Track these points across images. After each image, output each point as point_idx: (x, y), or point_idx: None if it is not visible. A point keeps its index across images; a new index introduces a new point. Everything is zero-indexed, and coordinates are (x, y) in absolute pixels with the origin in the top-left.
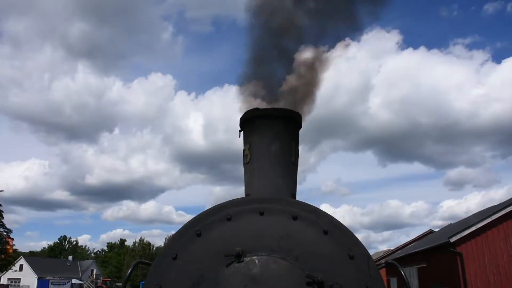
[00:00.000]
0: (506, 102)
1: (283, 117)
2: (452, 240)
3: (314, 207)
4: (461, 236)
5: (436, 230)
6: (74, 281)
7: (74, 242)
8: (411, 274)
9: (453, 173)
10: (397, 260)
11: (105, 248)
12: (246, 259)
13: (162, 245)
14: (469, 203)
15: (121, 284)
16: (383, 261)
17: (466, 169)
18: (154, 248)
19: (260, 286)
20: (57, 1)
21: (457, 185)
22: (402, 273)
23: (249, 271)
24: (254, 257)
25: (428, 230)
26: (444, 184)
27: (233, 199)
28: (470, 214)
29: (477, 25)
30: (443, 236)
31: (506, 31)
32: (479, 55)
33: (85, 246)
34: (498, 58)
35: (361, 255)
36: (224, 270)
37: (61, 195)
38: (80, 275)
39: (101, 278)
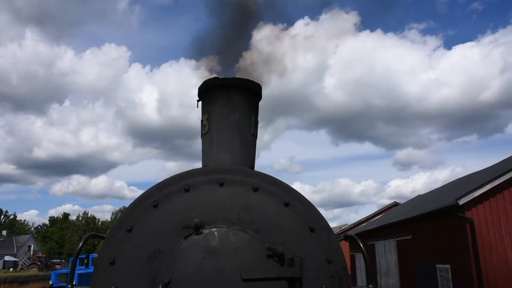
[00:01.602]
0: (454, 87)
1: (243, 88)
2: (462, 202)
3: (275, 178)
4: (472, 198)
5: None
6: (7, 258)
7: (12, 216)
8: (386, 248)
9: (402, 154)
10: (369, 233)
11: (47, 222)
12: (205, 231)
13: (109, 219)
14: (415, 183)
15: (58, 260)
16: (346, 234)
17: (414, 150)
18: (99, 223)
19: (219, 258)
20: None
21: (405, 166)
22: (361, 246)
23: (208, 243)
24: (213, 229)
25: (393, 202)
26: (393, 164)
27: (192, 169)
28: (416, 193)
29: (432, 11)
30: (424, 202)
31: (457, 19)
32: (432, 41)
33: (25, 220)
34: (449, 44)
35: (322, 228)
36: (182, 243)
37: (6, 168)
38: (16, 251)
39: (39, 254)
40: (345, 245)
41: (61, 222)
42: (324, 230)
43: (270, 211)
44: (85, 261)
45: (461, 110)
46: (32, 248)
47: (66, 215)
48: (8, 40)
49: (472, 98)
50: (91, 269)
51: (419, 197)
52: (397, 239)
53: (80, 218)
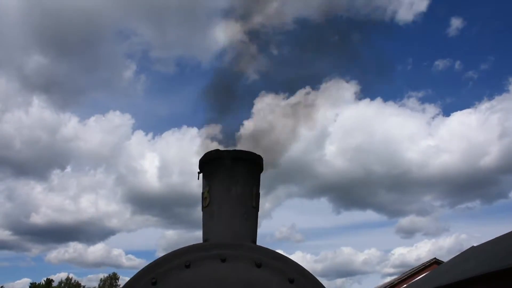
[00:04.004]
0: (453, 153)
1: (245, 160)
2: None
3: (279, 253)
4: None
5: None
6: None
7: None
8: None
9: (405, 221)
10: None
11: None
12: None
13: (97, 286)
14: (419, 250)
15: None
16: None
17: (417, 217)
18: None
19: None
20: (17, 30)
21: (408, 233)
22: None
23: None
24: None
25: (433, 259)
26: (396, 231)
27: (192, 245)
28: (420, 261)
29: (429, 80)
30: None
31: (454, 87)
32: (431, 109)
33: (1, 287)
34: (447, 111)
35: None
36: None
37: (1, 234)
38: None
39: None
40: None
41: None
42: None
43: (274, 287)
44: None
45: (462, 176)
46: None
47: (49, 281)
48: (15, 106)
49: (472, 163)
50: None
51: (474, 248)
52: None
53: (62, 284)
